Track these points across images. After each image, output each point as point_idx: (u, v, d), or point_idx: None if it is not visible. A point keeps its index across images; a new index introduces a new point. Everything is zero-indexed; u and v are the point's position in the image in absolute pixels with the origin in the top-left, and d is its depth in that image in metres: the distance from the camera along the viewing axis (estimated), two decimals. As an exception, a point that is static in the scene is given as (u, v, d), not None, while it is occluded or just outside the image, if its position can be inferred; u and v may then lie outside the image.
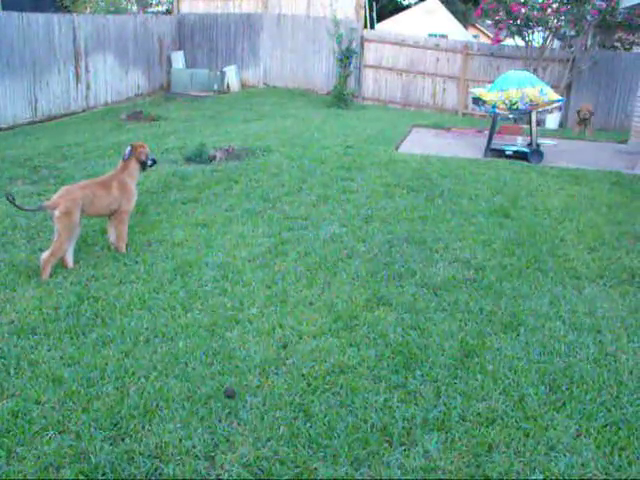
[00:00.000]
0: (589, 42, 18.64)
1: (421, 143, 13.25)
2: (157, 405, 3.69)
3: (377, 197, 8.21)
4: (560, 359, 4.34)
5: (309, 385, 3.93)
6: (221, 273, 5.60)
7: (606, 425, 3.66)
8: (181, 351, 4.29)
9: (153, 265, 5.77)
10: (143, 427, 3.50)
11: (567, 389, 3.98)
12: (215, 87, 19.98)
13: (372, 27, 25.16)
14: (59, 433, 3.43)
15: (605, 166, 11.50)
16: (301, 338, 4.51)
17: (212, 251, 6.13)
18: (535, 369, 4.18)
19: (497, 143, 12.37)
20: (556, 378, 4.09)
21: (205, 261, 5.86)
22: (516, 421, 3.64)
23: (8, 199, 5.36)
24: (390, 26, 34.85)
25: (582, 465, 3.34)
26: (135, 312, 4.84)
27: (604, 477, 3.27)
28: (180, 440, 3.40)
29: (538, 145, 11.94)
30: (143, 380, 3.94)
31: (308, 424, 3.56)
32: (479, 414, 3.69)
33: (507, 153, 11.83)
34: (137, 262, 5.82)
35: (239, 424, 3.57)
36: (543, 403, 3.83)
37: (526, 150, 11.74)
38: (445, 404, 3.77)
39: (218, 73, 20.18)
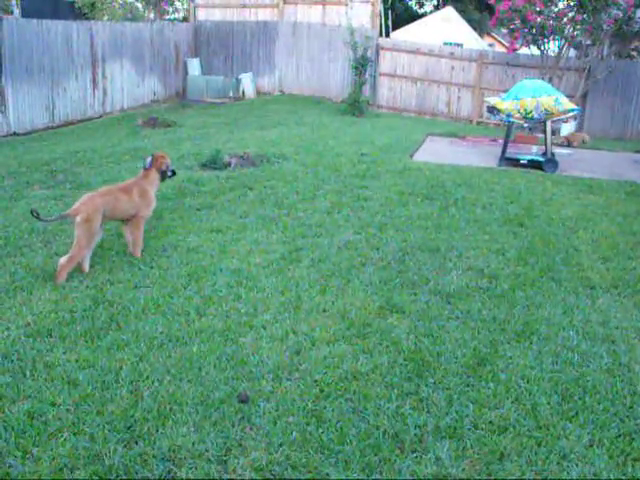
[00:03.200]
0: (605, 51, 18.57)
1: (436, 151, 13.25)
2: (170, 409, 3.72)
3: (391, 205, 8.23)
4: (573, 369, 4.33)
5: (322, 391, 3.95)
6: (235, 279, 5.64)
7: (619, 435, 3.65)
8: (195, 356, 4.32)
9: (168, 270, 5.82)
10: (157, 430, 3.53)
11: (580, 399, 3.97)
12: (230, 94, 20.08)
13: (387, 35, 25.21)
14: (74, 435, 3.47)
15: (620, 175, 11.47)
16: (314, 344, 4.53)
17: (226, 257, 6.17)
18: (548, 378, 4.18)
19: (512, 152, 12.36)
20: (569, 388, 4.08)
21: (219, 267, 5.90)
22: (528, 430, 3.65)
23: (33, 215, 5.46)
24: (405, 35, 34.90)
25: (594, 475, 3.33)
26: (150, 316, 4.88)
27: (617, 487, 3.27)
28: (193, 444, 3.43)
29: (553, 154, 11.92)
30: (157, 384, 3.97)
31: (320, 430, 3.58)
32: (491, 422, 3.70)
33: (522, 162, 11.81)
34: (152, 267, 5.87)
35: (252, 429, 3.59)
36: (555, 412, 3.83)
37: (541, 159, 11.73)
38: (457, 412, 3.78)
39: (234, 80, 20.29)
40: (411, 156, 12.25)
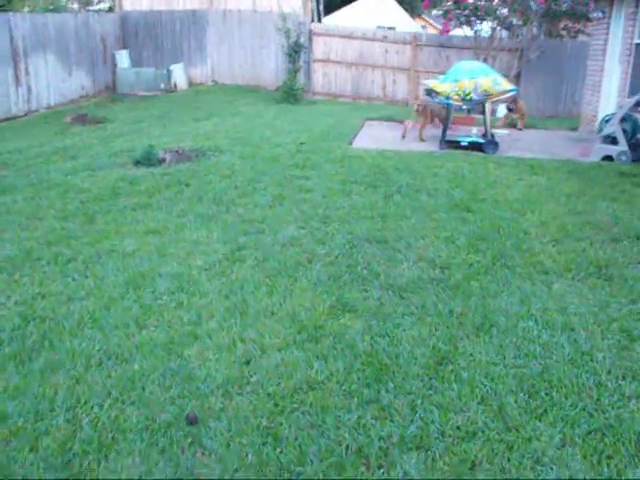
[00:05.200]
0: (535, 31, 18.67)
1: (375, 137, 13.06)
2: (113, 437, 3.39)
3: (334, 195, 7.98)
4: (536, 361, 4.16)
5: (276, 405, 3.67)
6: (176, 284, 5.30)
7: (590, 432, 3.49)
8: (137, 374, 3.98)
9: (104, 279, 5.43)
10: (99, 464, 3.20)
11: (547, 394, 3.80)
12: (162, 86, 19.50)
13: (320, 20, 24.89)
14: (4, 479, 3.11)
15: (560, 154, 11.50)
16: (264, 352, 4.24)
17: (166, 261, 5.81)
18: (512, 374, 4.00)
19: (452, 135, 12.26)
20: (534, 383, 3.90)
21: (159, 272, 5.55)
22: (498, 433, 3.45)
23: None
24: (338, 19, 34.60)
25: (570, 477, 3.16)
26: (86, 332, 4.51)
27: (594, 490, 3.10)
28: (140, 477, 3.11)
29: (493, 135, 11.87)
30: (97, 409, 3.63)
31: (278, 449, 3.31)
32: (458, 428, 3.49)
33: (462, 144, 11.74)
34: (87, 276, 5.48)
35: (203, 453, 3.29)
36: (524, 411, 3.64)
37: (481, 141, 11.67)
38: (422, 419, 3.55)
39: (165, 71, 19.70)
40: (350, 143, 12.03)
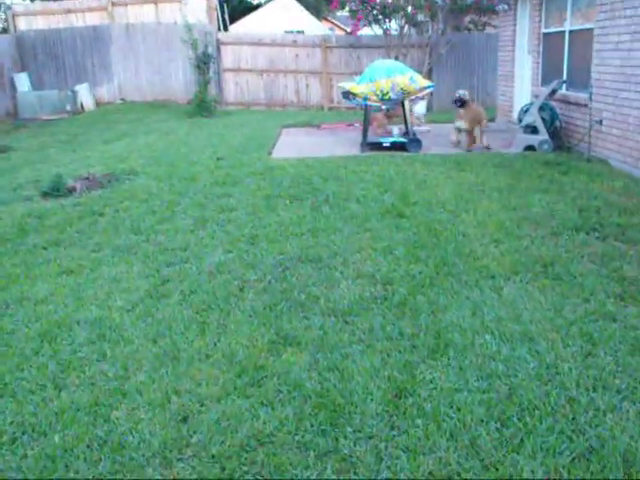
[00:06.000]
0: (442, 26, 18.69)
1: (294, 145, 12.67)
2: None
3: (259, 212, 7.52)
4: (501, 382, 3.80)
5: (223, 470, 3.17)
6: (96, 332, 4.70)
7: (574, 459, 3.14)
8: (58, 449, 3.38)
9: (13, 333, 4.78)
10: None
11: (519, 420, 3.44)
12: (68, 108, 18.59)
13: (226, 29, 24.39)
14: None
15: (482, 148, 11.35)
16: (203, 405, 3.73)
17: (83, 304, 5.20)
18: (478, 401, 3.62)
19: (373, 136, 11.98)
20: (504, 408, 3.54)
21: (76, 319, 4.94)
22: (475, 474, 3.05)
23: None
24: (245, 27, 34.16)
25: (561, 520, 2.80)
26: (-7, 401, 3.91)
27: (590, 532, 2.74)
28: None
29: (414, 133, 11.64)
30: (9, 501, 3.06)
31: (229, 528, 2.83)
32: (431, 473, 3.07)
33: (385, 145, 11.46)
34: (-9, 331, 4.84)
35: None
36: (498, 444, 3.26)
37: (404, 140, 11.43)
38: (389, 467, 3.12)
39: (69, 93, 18.81)
40: (270, 153, 11.61)
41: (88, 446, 3.42)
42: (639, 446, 3.20)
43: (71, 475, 3.20)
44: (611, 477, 3.01)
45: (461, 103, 11.20)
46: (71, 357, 4.38)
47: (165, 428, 3.53)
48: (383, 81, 11.01)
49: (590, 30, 10.30)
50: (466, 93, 11.31)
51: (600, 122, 9.74)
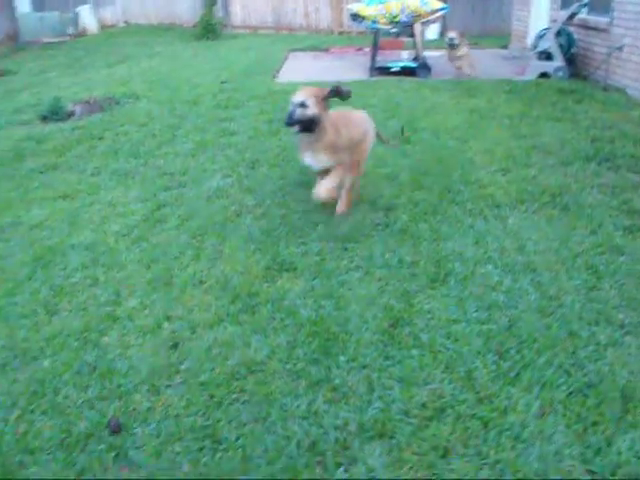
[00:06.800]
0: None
1: (301, 69, 12.32)
2: (21, 461, 2.78)
3: (261, 137, 7.32)
4: (501, 313, 3.69)
5: (212, 397, 3.10)
6: (90, 257, 4.60)
7: (570, 394, 3.05)
8: (48, 374, 3.33)
9: (8, 258, 4.69)
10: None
11: (517, 353, 3.34)
12: (70, 31, 18.11)
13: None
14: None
15: (494, 74, 11.02)
16: (194, 331, 3.65)
17: (78, 229, 5.09)
18: (477, 332, 3.52)
19: (382, 60, 11.61)
20: (502, 340, 3.44)
21: (70, 244, 4.83)
22: (469, 407, 2.97)
23: None
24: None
25: (556, 455, 2.72)
26: (-15, 325, 3.83)
27: (585, 467, 2.66)
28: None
29: (425, 58, 11.27)
30: (1, 425, 3.00)
31: (218, 455, 2.76)
32: (424, 405, 2.99)
33: (393, 70, 11.12)
34: (-15, 256, 4.75)
35: (131, 469, 2.73)
36: (495, 377, 3.17)
37: (413, 65, 11.08)
38: (381, 398, 3.04)
39: (71, 14, 18.25)
40: (274, 77, 11.30)
41: (77, 372, 3.36)
42: (639, 381, 3.11)
43: (60, 400, 3.15)
44: (608, 412, 2.93)
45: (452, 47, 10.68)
46: (64, 282, 4.30)
47: (155, 355, 3.46)
48: (393, 3, 10.59)
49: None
50: (455, 37, 10.65)
51: (620, 48, 9.36)
